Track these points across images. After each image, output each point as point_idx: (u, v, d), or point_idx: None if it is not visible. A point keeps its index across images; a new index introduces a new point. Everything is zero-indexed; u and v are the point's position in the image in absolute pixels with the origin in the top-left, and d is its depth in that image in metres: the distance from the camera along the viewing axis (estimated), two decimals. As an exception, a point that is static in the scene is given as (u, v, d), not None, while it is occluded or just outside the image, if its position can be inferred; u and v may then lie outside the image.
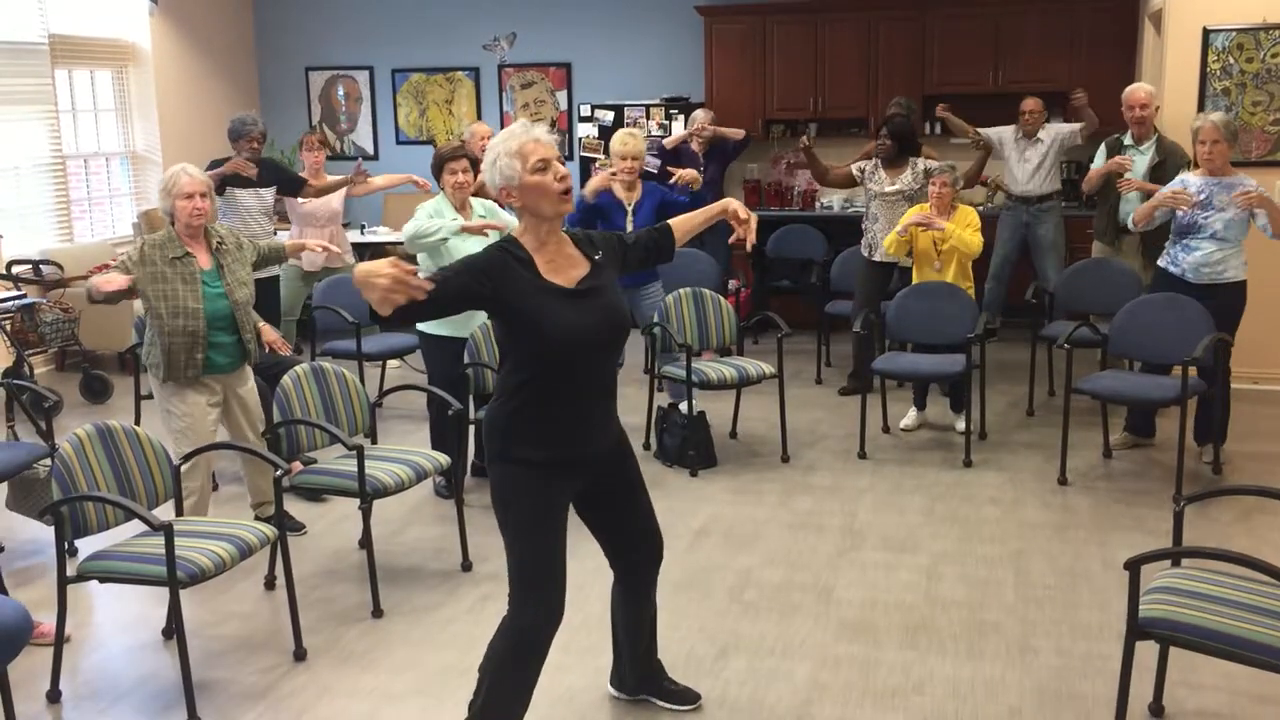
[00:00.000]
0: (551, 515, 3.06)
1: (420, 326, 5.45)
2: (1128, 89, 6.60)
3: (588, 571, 4.19)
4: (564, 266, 3.02)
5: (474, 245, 5.31)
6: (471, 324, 5.41)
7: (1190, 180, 5.53)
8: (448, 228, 5.16)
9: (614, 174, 6.14)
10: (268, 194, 6.91)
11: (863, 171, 6.89)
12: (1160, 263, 5.73)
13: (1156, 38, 7.66)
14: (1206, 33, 6.91)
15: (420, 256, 5.35)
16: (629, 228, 6.07)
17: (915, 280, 6.32)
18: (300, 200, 7.26)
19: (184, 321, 4.47)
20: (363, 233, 9.23)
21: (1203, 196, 5.44)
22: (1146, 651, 3.25)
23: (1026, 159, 7.59)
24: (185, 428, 4.59)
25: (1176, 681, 3.61)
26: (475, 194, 5.43)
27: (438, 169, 5.37)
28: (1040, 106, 7.57)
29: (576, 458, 3.07)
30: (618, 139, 6.15)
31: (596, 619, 4.09)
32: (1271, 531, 4.92)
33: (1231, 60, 6.91)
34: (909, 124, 6.96)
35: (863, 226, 6.97)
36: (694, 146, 8.05)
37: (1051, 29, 8.54)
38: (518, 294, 2.91)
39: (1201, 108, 6.83)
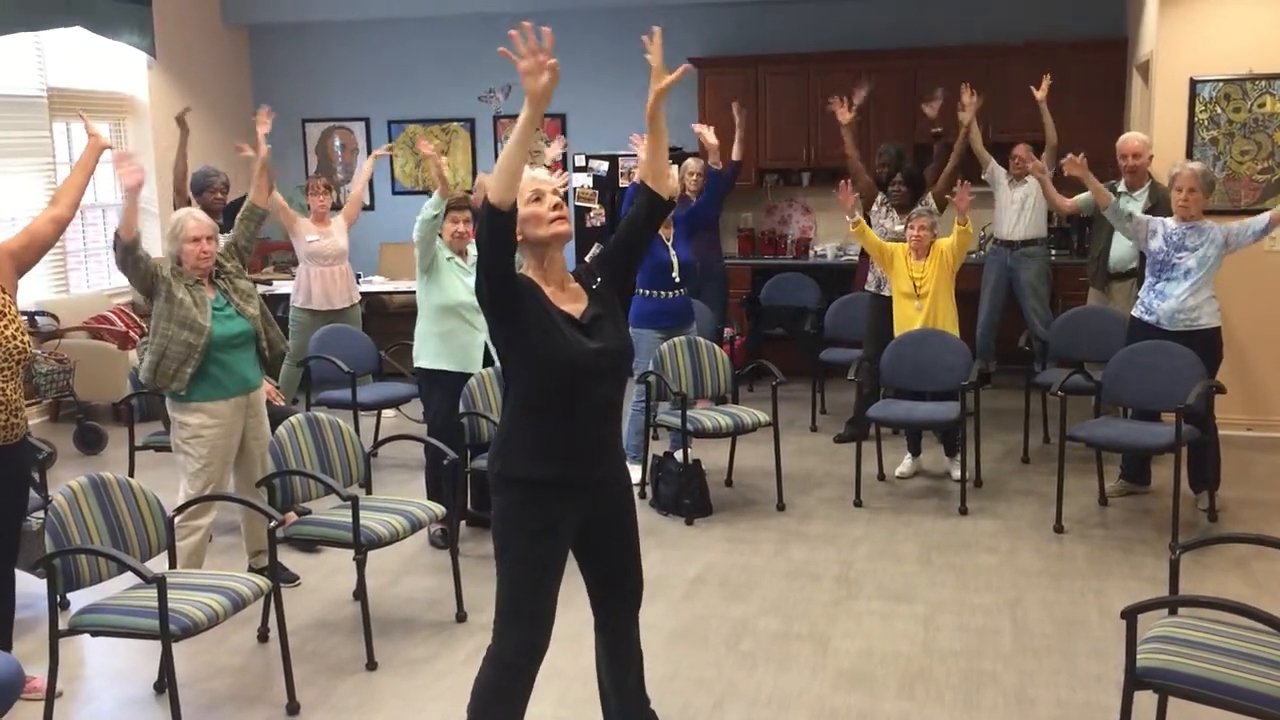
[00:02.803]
0: (548, 546, 3.08)
1: (419, 363, 5.50)
2: (1122, 138, 6.68)
3: (584, 621, 4.15)
4: (568, 299, 3.12)
5: (463, 279, 5.37)
6: (470, 357, 5.44)
7: (1168, 221, 5.61)
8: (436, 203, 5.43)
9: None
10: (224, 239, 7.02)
11: (880, 205, 6.96)
12: (1135, 312, 5.77)
13: (1144, 88, 7.76)
14: (1193, 83, 7.00)
15: (418, 289, 5.47)
16: (672, 259, 6.21)
17: (896, 318, 6.36)
18: (308, 238, 7.33)
19: (188, 334, 4.54)
20: (359, 281, 9.26)
21: (1176, 238, 5.53)
22: (1145, 701, 3.23)
23: (1013, 201, 7.70)
24: (199, 469, 4.63)
25: (1176, 731, 3.58)
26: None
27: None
28: (1029, 154, 7.66)
29: (578, 480, 3.10)
30: None
31: (592, 670, 4.05)
32: (1269, 579, 4.90)
33: (1219, 110, 6.99)
34: (919, 170, 7.06)
35: (870, 263, 7.02)
36: (687, 193, 8.09)
37: (1040, 79, 8.61)
38: (529, 309, 3.01)
39: (1190, 157, 6.90)
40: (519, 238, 3.07)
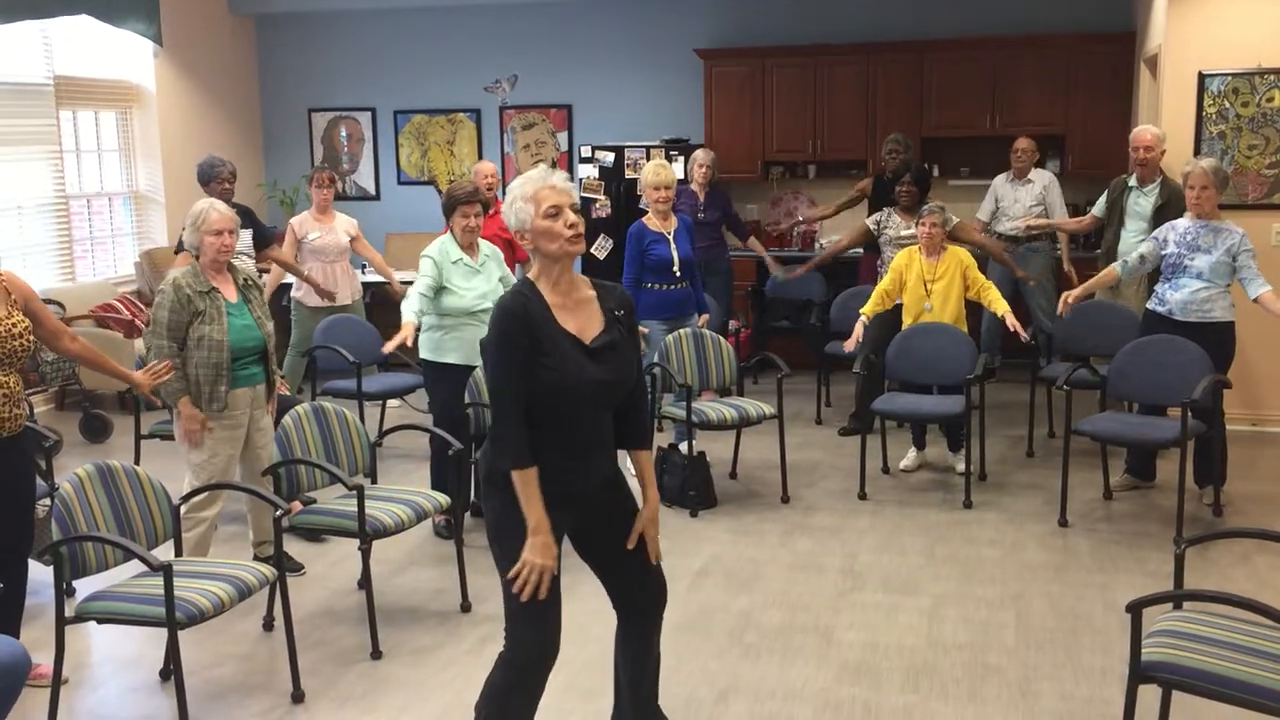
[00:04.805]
0: None
1: (424, 354, 5.47)
2: (1135, 130, 6.66)
3: (588, 612, 4.17)
4: (578, 313, 3.06)
5: (472, 281, 5.35)
6: (476, 351, 5.42)
7: (1179, 223, 5.60)
8: (428, 276, 5.29)
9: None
10: (245, 235, 6.99)
11: (878, 224, 6.99)
12: (1149, 305, 5.77)
13: (1153, 82, 7.74)
14: (1202, 77, 6.98)
15: (425, 306, 5.38)
16: (673, 255, 6.18)
17: (905, 321, 6.34)
18: (311, 235, 7.33)
19: (208, 354, 4.53)
20: (364, 272, 9.26)
21: (1190, 238, 5.51)
22: (1150, 695, 3.24)
23: (1018, 199, 7.70)
24: (204, 462, 4.64)
25: (1180, 726, 3.59)
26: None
27: (450, 210, 5.40)
28: (1032, 146, 7.68)
29: (570, 492, 3.09)
30: (650, 170, 6.18)
31: (598, 660, 4.07)
32: (1273, 574, 4.90)
33: (1227, 104, 6.97)
34: (925, 169, 7.06)
35: (877, 267, 7.03)
36: (693, 186, 8.09)
37: (1048, 73, 8.62)
38: (541, 339, 2.96)
39: (1198, 151, 6.89)
40: (530, 247, 3.02)
